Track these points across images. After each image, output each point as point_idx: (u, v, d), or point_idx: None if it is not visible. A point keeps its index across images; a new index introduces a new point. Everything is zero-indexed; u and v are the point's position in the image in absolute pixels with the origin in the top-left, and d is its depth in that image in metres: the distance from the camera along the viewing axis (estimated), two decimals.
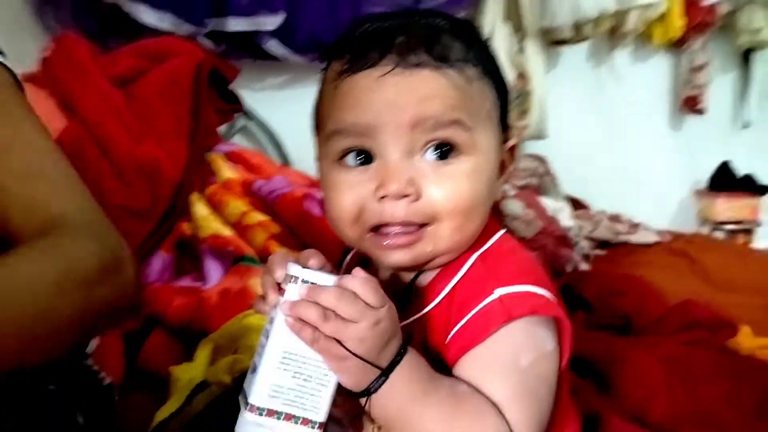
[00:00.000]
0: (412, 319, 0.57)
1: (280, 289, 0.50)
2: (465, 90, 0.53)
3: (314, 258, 0.52)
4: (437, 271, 0.58)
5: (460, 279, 0.56)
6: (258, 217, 1.19)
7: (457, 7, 1.86)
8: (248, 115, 1.70)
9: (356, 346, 0.48)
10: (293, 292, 0.49)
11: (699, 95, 2.48)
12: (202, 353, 0.89)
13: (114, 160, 1.17)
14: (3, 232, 0.59)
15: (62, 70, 1.28)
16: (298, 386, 0.49)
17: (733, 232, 2.45)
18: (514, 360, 0.53)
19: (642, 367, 1.00)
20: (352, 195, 0.54)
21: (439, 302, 0.57)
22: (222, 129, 1.56)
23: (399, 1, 1.69)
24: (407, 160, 0.53)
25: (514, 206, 1.58)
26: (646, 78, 2.50)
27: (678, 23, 2.36)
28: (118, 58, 1.38)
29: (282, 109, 1.67)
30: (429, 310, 0.57)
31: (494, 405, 0.52)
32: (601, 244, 1.78)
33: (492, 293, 0.53)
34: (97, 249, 0.57)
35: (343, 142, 0.55)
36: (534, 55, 2.15)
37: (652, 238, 1.82)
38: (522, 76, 2.07)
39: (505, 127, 0.59)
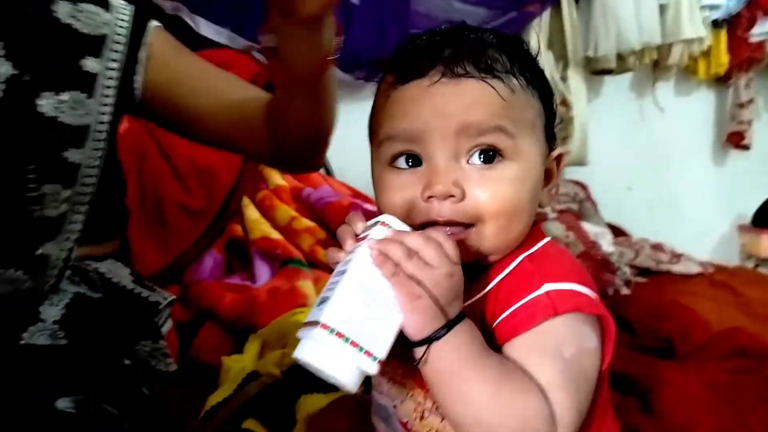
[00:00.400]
0: (466, 303, 0.59)
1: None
2: (509, 99, 0.56)
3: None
4: (482, 269, 0.59)
5: (507, 275, 0.58)
6: (306, 222, 1.22)
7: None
8: None
9: (432, 289, 0.50)
10: (380, 232, 0.52)
11: (744, 131, 2.47)
12: (252, 347, 0.91)
13: (173, 162, 1.22)
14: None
15: None
16: (368, 319, 0.50)
17: None
18: (558, 350, 0.54)
19: (686, 390, 0.99)
20: (402, 195, 0.58)
21: (488, 293, 0.58)
22: None
23: (446, 20, 1.74)
24: (453, 163, 0.56)
25: (555, 228, 1.58)
26: (689, 111, 2.50)
27: (723, 59, 2.36)
28: None
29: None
30: (477, 299, 0.58)
31: (539, 385, 0.52)
32: (642, 272, 1.76)
33: (539, 288, 0.55)
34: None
35: (395, 147, 0.58)
36: (576, 82, 2.17)
37: (694, 268, 1.79)
38: (564, 102, 2.09)
39: (550, 138, 0.61)
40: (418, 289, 0.50)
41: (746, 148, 2.48)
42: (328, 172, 1.75)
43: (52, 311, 0.66)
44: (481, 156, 0.57)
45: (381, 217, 0.53)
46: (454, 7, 1.93)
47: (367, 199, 1.40)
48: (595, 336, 0.56)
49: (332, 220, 1.24)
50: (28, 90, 0.65)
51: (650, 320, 1.26)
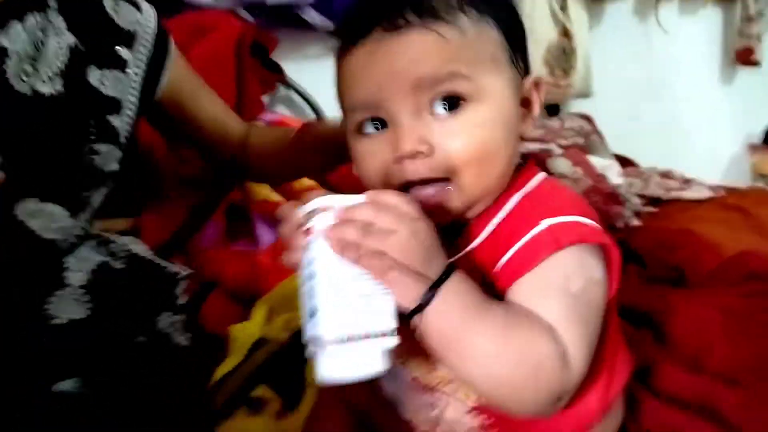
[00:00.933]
0: (457, 256, 0.58)
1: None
2: (457, 41, 0.55)
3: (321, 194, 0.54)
4: (480, 212, 0.59)
5: (505, 216, 0.58)
6: (307, 182, 1.21)
7: None
8: (289, 84, 1.71)
9: (401, 256, 0.49)
10: (325, 219, 0.50)
11: (753, 46, 2.38)
12: (259, 313, 0.92)
13: None
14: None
15: None
16: (364, 307, 0.49)
17: None
18: (564, 285, 0.53)
19: (699, 317, 0.98)
20: (375, 161, 0.57)
21: (485, 240, 0.58)
22: (265, 98, 1.58)
23: None
24: (417, 120, 0.55)
25: (562, 164, 1.56)
26: (694, 31, 2.41)
27: None
28: None
29: (322, 77, 1.67)
30: (474, 247, 0.58)
31: (548, 325, 0.52)
32: (653, 200, 1.73)
33: (539, 223, 0.54)
34: None
35: (358, 115, 0.58)
36: (577, 11, 2.09)
37: (705, 193, 1.76)
38: (565, 33, 2.02)
39: (522, 64, 0.60)
40: (386, 262, 0.49)
41: (757, 63, 2.40)
42: None
43: (77, 276, 0.71)
44: (444, 105, 0.55)
45: (317, 202, 0.51)
46: None
47: None
48: (600, 266, 0.56)
49: (332, 176, 1.23)
50: (82, 60, 0.75)
51: (661, 251, 1.24)
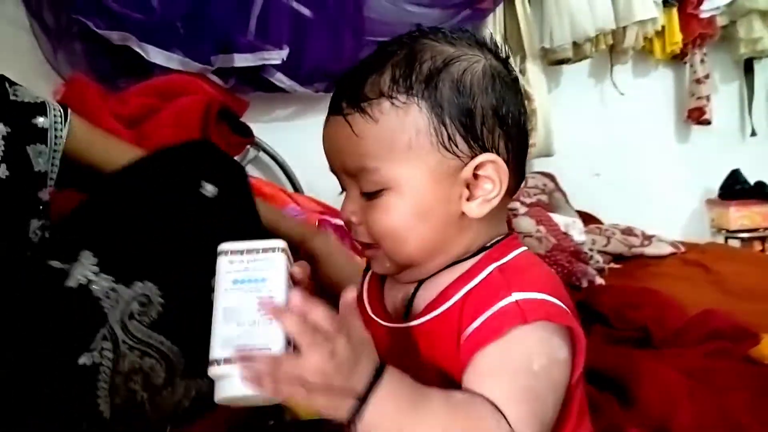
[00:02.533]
0: (425, 318, 0.60)
1: None
2: (369, 134, 0.57)
3: None
4: (449, 280, 0.60)
5: (476, 284, 0.59)
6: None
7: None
8: (258, 146, 1.73)
9: (322, 379, 0.48)
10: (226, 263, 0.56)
11: (703, 106, 2.50)
12: None
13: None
14: None
15: (73, 113, 1.31)
16: (247, 330, 0.52)
17: (747, 240, 2.44)
18: (525, 362, 0.54)
19: (664, 379, 0.99)
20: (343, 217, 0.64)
21: (453, 304, 0.59)
22: None
23: (401, 24, 1.73)
24: (355, 192, 0.61)
25: (525, 223, 1.59)
26: (649, 92, 2.53)
27: (677, 37, 2.39)
28: (128, 98, 1.41)
29: (290, 138, 1.70)
30: (443, 311, 0.59)
31: (493, 405, 0.52)
32: (616, 257, 1.77)
33: (509, 296, 0.55)
34: None
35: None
36: (535, 75, 2.18)
37: (666, 249, 1.81)
38: (525, 96, 2.09)
39: (477, 142, 0.57)
40: (307, 389, 0.49)
41: (707, 122, 2.51)
42: (296, 189, 1.74)
43: None
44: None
45: (225, 246, 0.58)
46: (407, 10, 1.93)
47: (336, 213, 1.39)
48: (565, 347, 0.56)
49: None
50: (16, 143, 0.83)
51: (626, 310, 1.26)
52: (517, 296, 0.55)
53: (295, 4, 1.72)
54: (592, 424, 0.65)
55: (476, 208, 0.59)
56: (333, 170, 0.63)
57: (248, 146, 1.64)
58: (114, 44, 1.48)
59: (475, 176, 0.58)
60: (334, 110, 0.60)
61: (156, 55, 1.52)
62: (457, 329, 0.56)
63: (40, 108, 0.88)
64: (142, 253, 0.78)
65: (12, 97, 0.86)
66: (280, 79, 1.71)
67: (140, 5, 1.51)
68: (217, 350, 0.51)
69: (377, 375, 0.50)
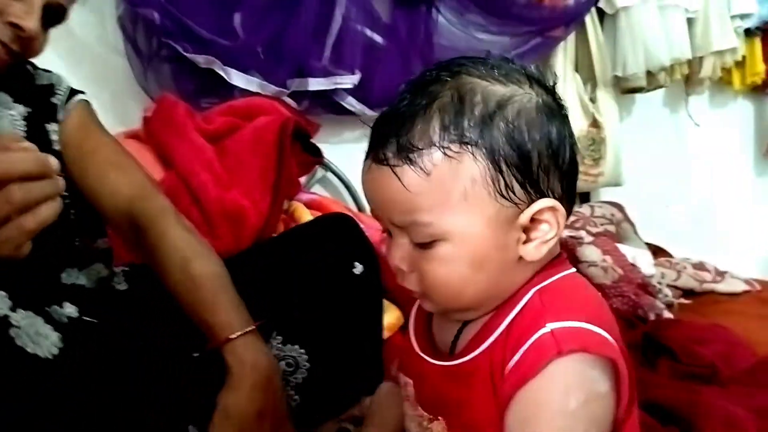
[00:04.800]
0: (473, 354, 0.59)
1: None
2: (421, 187, 0.54)
3: None
4: (492, 312, 0.60)
5: (517, 314, 0.58)
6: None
7: (527, 59, 1.90)
8: (327, 166, 1.79)
9: None
10: None
11: None
12: None
13: (203, 207, 1.26)
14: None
15: (161, 128, 1.41)
16: None
17: None
18: (561, 402, 0.52)
19: (731, 416, 0.96)
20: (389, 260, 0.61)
21: (498, 337, 0.58)
22: (303, 179, 1.65)
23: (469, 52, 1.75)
24: (403, 238, 0.58)
25: (591, 252, 1.56)
26: (726, 124, 2.44)
27: (759, 68, 2.31)
28: (212, 117, 1.50)
29: (357, 159, 1.73)
30: (490, 344, 0.58)
31: None
32: (686, 292, 1.71)
33: (544, 326, 0.54)
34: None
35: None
36: (606, 103, 2.14)
37: (740, 286, 1.73)
38: (595, 123, 2.07)
39: (533, 188, 0.56)
40: None
41: None
42: (360, 208, 1.78)
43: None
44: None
45: None
46: (477, 38, 1.95)
47: None
48: (605, 379, 0.54)
49: None
50: (38, 122, 0.88)
51: (693, 345, 1.22)
52: (552, 326, 0.53)
53: (368, 32, 1.78)
54: None
55: (533, 251, 0.57)
56: (377, 217, 0.60)
57: (317, 166, 1.70)
58: (199, 67, 1.57)
59: (532, 219, 0.57)
60: (377, 159, 0.56)
61: (237, 78, 1.60)
62: (501, 364, 0.56)
63: (56, 87, 0.92)
64: (301, 319, 0.87)
65: (37, 82, 0.90)
66: (351, 103, 1.77)
67: (226, 31, 1.60)
68: None
69: None
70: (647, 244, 1.93)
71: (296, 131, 1.46)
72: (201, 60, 1.55)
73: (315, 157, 1.58)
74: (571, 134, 0.59)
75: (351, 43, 1.75)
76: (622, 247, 1.73)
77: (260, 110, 1.51)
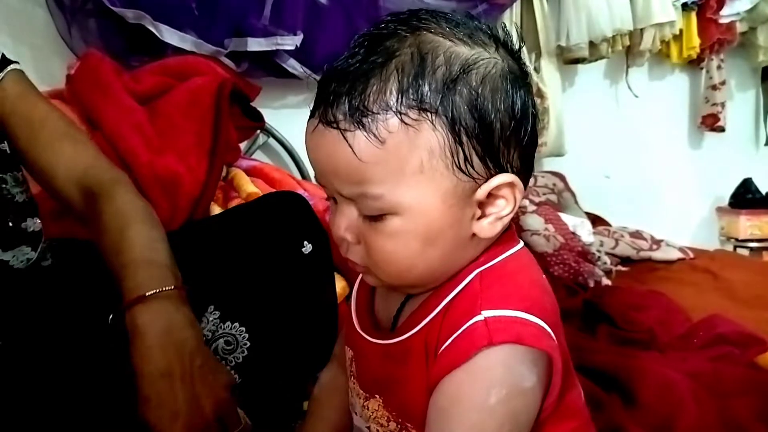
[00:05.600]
0: (410, 333, 0.57)
1: None
2: (373, 156, 0.49)
3: None
4: (433, 290, 0.57)
5: (456, 295, 0.55)
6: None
7: None
8: (268, 132, 1.72)
9: None
10: None
11: (718, 113, 2.48)
12: None
13: (134, 172, 1.19)
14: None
15: (86, 87, 1.31)
16: None
17: (757, 249, 2.42)
18: (482, 396, 0.51)
19: (669, 381, 0.98)
20: (332, 228, 0.57)
21: (431, 321, 0.55)
22: (243, 145, 1.58)
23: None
24: (348, 206, 0.54)
25: (534, 221, 1.58)
26: (663, 95, 2.50)
27: (694, 41, 2.36)
28: (142, 76, 1.40)
29: (301, 125, 1.68)
30: (427, 323, 0.56)
31: None
32: (623, 260, 1.76)
33: (479, 314, 0.51)
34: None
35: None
36: (550, 73, 2.16)
37: (674, 254, 1.79)
38: (539, 93, 2.08)
39: (493, 162, 0.52)
40: None
41: (721, 129, 2.49)
42: (303, 176, 1.73)
43: None
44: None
45: None
46: (424, 1, 1.91)
47: None
48: (533, 373, 0.52)
49: None
50: None
51: (631, 312, 1.25)
52: (486, 314, 0.51)
53: None
54: (595, 422, 0.64)
55: (488, 228, 0.54)
56: (321, 183, 0.55)
57: (258, 131, 1.64)
58: (128, 22, 1.47)
59: (489, 194, 0.53)
60: (325, 120, 0.50)
61: (170, 35, 1.51)
62: (435, 345, 0.54)
63: None
64: (244, 297, 0.83)
65: None
66: (293, 66, 1.70)
67: None
68: None
69: None
70: (587, 213, 1.96)
71: (235, 93, 1.38)
72: (130, 14, 1.45)
73: (255, 122, 1.51)
74: (534, 104, 0.55)
75: (292, 2, 1.67)
76: (564, 216, 1.76)
77: (195, 70, 1.42)
